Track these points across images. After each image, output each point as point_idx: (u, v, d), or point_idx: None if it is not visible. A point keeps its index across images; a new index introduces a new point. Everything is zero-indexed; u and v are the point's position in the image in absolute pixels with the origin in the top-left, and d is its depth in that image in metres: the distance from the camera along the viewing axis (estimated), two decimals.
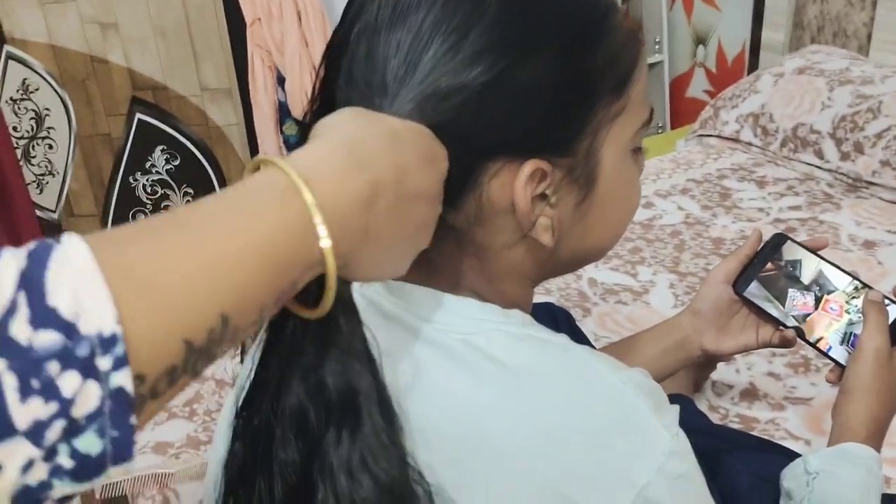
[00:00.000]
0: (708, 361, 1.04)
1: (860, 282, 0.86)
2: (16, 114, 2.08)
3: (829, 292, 0.86)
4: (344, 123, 0.43)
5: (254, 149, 2.30)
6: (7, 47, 2.01)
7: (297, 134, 2.23)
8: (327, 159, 0.39)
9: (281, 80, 2.15)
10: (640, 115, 0.54)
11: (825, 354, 0.85)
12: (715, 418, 1.19)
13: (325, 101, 0.52)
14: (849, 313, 0.85)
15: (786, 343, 0.87)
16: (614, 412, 0.48)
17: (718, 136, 2.19)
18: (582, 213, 0.54)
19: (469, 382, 0.49)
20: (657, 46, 2.86)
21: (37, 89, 2.08)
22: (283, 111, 2.19)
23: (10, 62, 2.03)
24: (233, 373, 1.46)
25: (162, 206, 2.32)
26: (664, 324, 0.95)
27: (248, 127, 2.27)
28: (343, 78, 0.51)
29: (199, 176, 2.32)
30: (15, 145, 2.09)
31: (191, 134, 2.26)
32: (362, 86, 0.49)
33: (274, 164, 0.38)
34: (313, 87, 0.53)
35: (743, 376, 1.28)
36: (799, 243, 0.88)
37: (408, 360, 0.50)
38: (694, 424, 1.00)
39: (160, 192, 2.30)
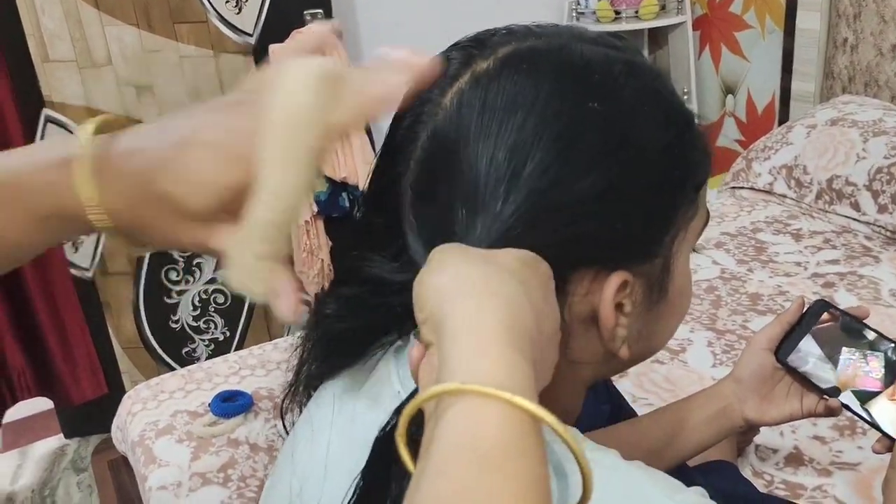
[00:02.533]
0: (751, 428, 1.01)
1: None
2: None
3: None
4: (471, 282, 0.37)
5: None
6: (46, 111, 2.06)
7: (327, 192, 2.24)
8: (511, 369, 0.34)
9: None
10: (703, 217, 0.54)
11: (876, 427, 0.82)
12: (759, 485, 1.16)
13: (380, 193, 0.50)
14: None
15: (831, 413, 0.85)
16: None
17: (751, 189, 2.17)
18: (651, 318, 0.52)
19: None
20: (686, 96, 2.86)
21: None
22: None
23: (49, 125, 2.07)
24: (266, 438, 1.45)
25: (194, 263, 2.34)
26: (706, 391, 0.93)
27: None
28: (416, 181, 0.48)
29: None
30: None
31: None
32: (444, 196, 0.46)
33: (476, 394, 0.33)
34: (369, 185, 0.51)
35: (787, 440, 1.24)
36: (842, 311, 0.87)
37: None
38: (740, 493, 0.98)
39: None
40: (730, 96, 2.84)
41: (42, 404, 2.41)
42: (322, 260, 2.33)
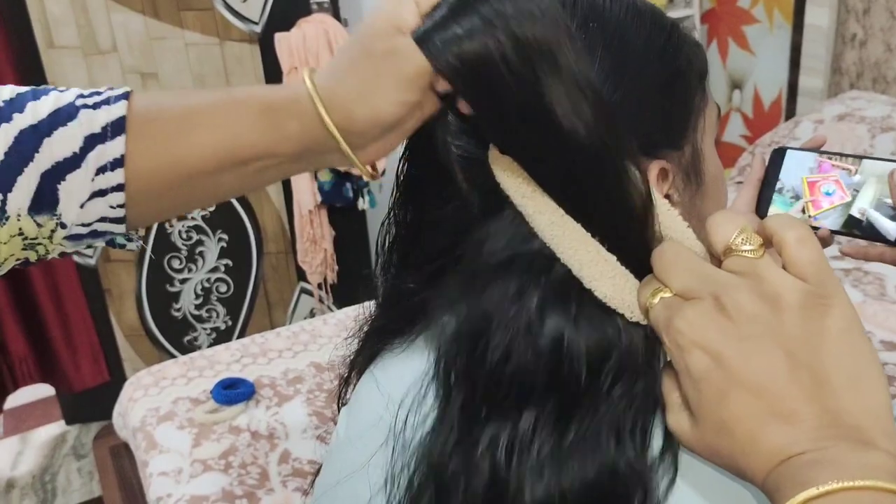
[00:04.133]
0: None
1: (832, 153, 0.83)
2: None
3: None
4: None
5: (288, 195, 2.31)
6: None
7: (332, 181, 2.23)
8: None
9: None
10: (714, 108, 0.59)
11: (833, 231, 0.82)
12: None
13: (419, 150, 0.54)
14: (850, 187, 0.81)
15: (822, 243, 0.85)
16: None
17: None
18: (696, 207, 0.56)
19: None
20: None
21: None
22: None
23: None
24: (268, 426, 1.45)
25: (197, 251, 2.33)
26: None
27: None
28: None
29: (233, 221, 2.34)
30: None
31: None
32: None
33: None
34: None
35: None
36: (799, 148, 0.87)
37: None
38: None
39: (195, 237, 2.32)
40: (736, 91, 2.83)
41: (43, 391, 2.41)
42: (325, 250, 2.32)
